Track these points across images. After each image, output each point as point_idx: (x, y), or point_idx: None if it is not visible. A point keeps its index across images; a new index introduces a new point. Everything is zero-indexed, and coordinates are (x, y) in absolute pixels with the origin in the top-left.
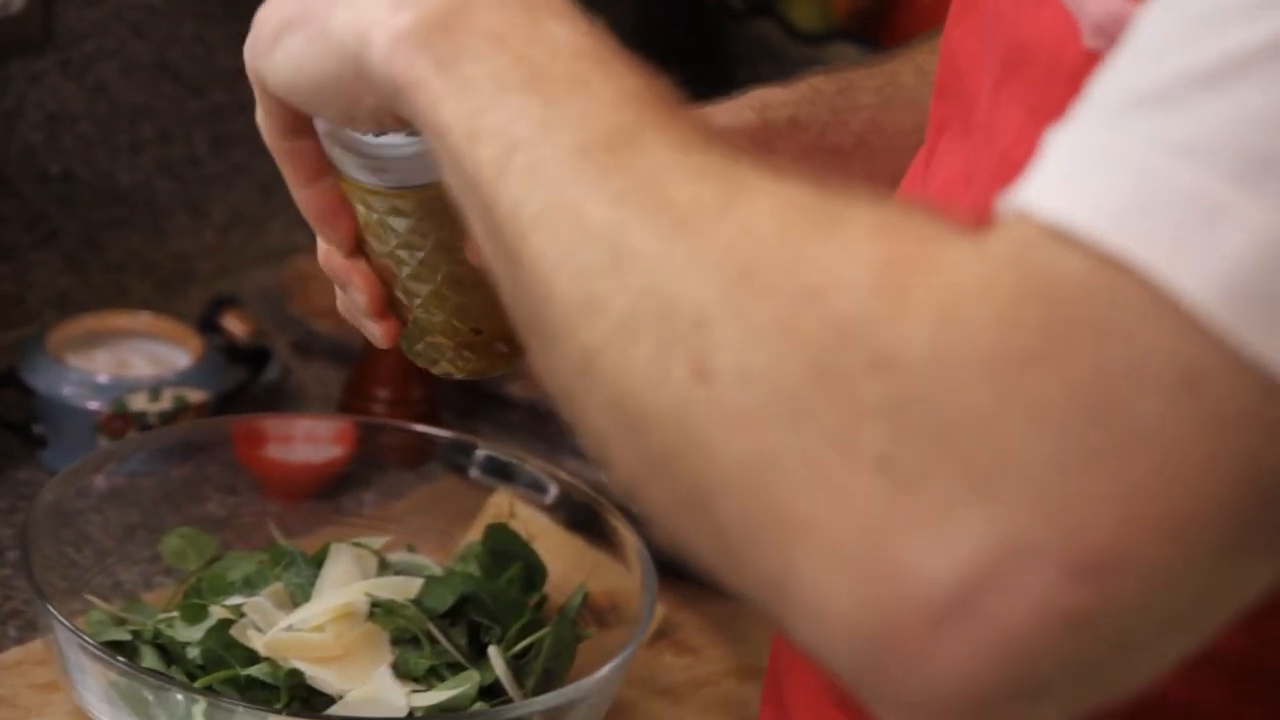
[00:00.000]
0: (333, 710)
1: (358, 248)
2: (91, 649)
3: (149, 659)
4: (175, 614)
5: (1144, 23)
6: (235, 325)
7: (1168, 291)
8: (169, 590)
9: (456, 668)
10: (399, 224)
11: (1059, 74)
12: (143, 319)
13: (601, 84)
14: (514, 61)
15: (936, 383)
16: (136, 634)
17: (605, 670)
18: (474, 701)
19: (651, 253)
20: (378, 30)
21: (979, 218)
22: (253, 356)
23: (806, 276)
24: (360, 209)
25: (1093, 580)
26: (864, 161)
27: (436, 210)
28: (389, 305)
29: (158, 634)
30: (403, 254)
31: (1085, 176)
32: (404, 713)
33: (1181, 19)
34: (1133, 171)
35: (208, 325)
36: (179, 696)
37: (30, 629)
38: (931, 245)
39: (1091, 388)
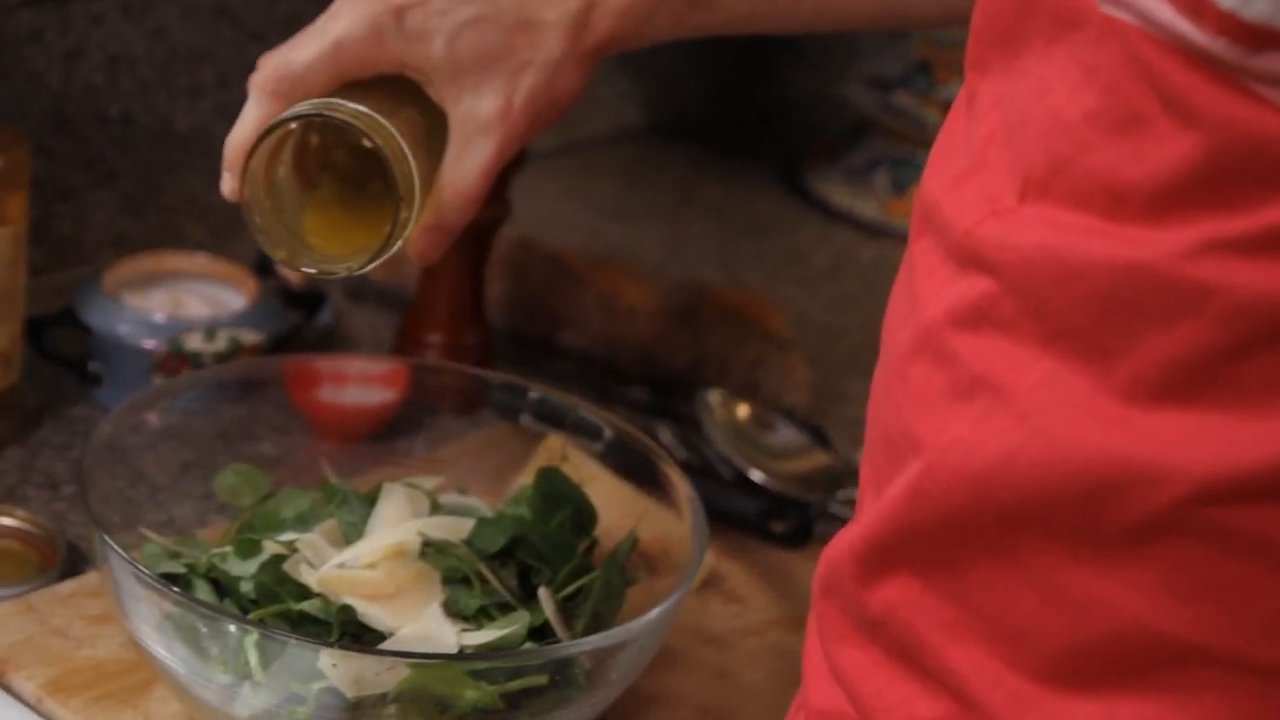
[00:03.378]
0: (384, 645)
1: None
2: (147, 580)
3: (203, 592)
4: (228, 549)
5: None
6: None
7: None
8: (222, 527)
9: (506, 608)
10: None
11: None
12: (199, 260)
13: None
14: None
15: None
16: (190, 567)
17: (655, 613)
18: (524, 641)
19: None
20: None
21: (996, 198)
22: (306, 301)
23: None
24: None
25: None
26: None
27: None
28: None
29: (211, 568)
30: None
31: None
32: (454, 650)
33: None
34: None
35: (261, 269)
36: (232, 629)
37: (82, 562)
38: None
39: None
